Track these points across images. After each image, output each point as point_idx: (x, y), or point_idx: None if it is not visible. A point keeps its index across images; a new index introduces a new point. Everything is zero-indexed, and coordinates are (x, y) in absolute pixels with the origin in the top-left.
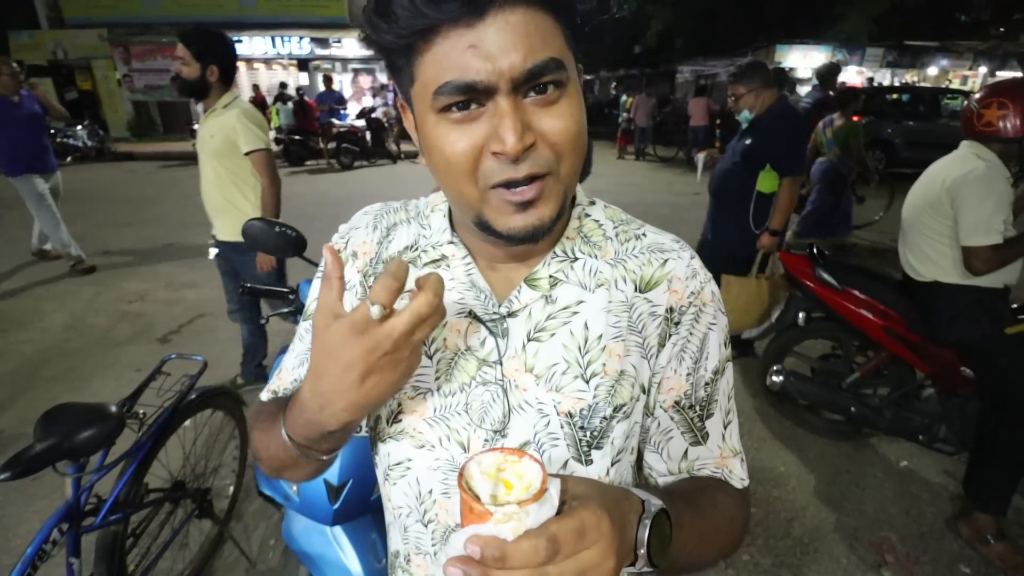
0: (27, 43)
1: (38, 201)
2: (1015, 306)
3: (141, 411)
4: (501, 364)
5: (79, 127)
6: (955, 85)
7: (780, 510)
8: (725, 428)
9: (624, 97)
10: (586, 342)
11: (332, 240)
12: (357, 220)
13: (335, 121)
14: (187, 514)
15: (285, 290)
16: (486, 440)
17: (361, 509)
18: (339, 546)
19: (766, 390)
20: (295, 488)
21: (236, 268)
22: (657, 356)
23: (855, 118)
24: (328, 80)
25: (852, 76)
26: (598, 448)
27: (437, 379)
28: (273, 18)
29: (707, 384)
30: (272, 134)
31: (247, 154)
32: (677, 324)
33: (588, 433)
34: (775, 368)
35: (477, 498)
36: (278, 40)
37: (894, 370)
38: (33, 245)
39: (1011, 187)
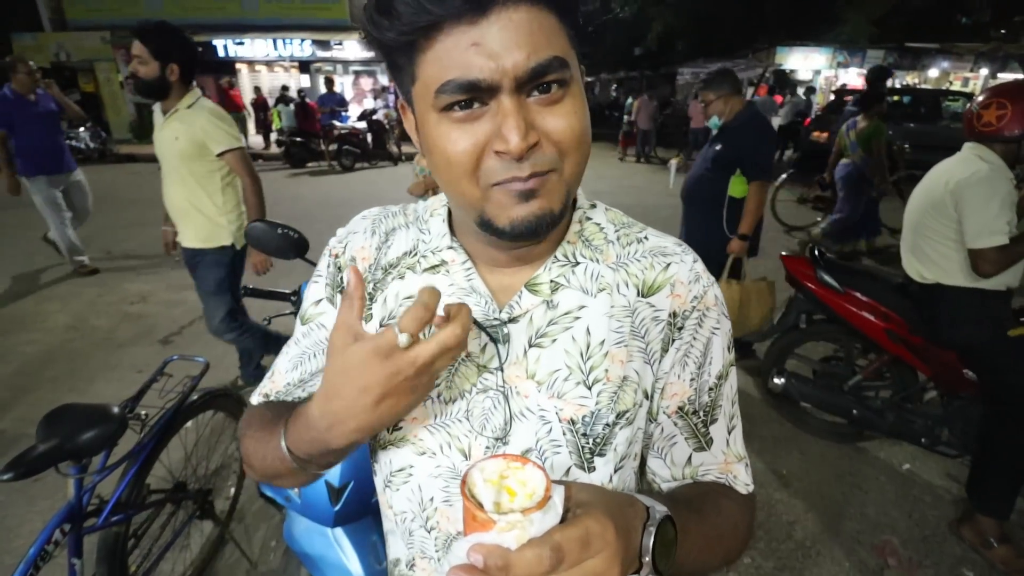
0: (30, 45)
1: (48, 203)
2: (1017, 308)
3: (143, 412)
4: (502, 370)
5: (82, 129)
6: (956, 87)
7: (782, 513)
8: (729, 433)
9: (630, 100)
10: (588, 348)
11: (329, 244)
12: (355, 224)
13: (336, 123)
14: (188, 515)
15: (287, 291)
16: (487, 447)
17: (362, 511)
18: (340, 548)
19: (767, 392)
20: (296, 490)
21: (200, 274)
22: (660, 361)
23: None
24: (329, 82)
25: (852, 78)
26: (601, 455)
27: (438, 386)
28: (275, 20)
29: (711, 389)
30: (274, 136)
31: (220, 155)
32: (680, 329)
33: (591, 440)
34: (776, 370)
35: (480, 506)
36: (280, 42)
37: (896, 373)
38: (69, 257)
39: (1015, 188)
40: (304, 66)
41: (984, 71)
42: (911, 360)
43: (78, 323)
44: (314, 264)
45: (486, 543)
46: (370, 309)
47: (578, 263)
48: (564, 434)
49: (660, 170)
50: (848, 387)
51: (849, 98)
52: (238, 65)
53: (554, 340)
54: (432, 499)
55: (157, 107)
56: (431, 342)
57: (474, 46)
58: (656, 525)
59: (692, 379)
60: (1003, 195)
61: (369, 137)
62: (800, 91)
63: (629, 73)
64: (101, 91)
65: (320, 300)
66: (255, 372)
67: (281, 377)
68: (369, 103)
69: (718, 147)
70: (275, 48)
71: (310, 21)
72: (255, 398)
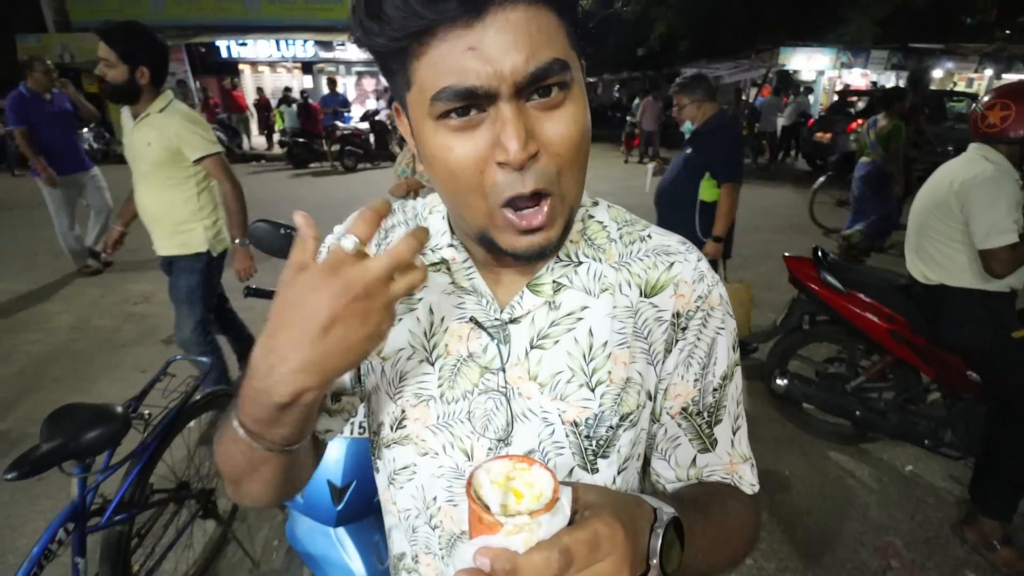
0: (34, 46)
1: (58, 205)
2: (1021, 309)
3: (146, 412)
4: (504, 371)
5: (85, 130)
6: (960, 88)
7: (784, 514)
8: (734, 434)
9: (637, 100)
10: (591, 349)
11: (326, 240)
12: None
13: (339, 124)
14: (191, 515)
15: None
16: (490, 448)
17: (365, 510)
18: (342, 547)
19: (770, 393)
20: None
21: (172, 281)
22: (663, 362)
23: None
24: (332, 83)
25: (856, 79)
26: (604, 457)
27: (440, 386)
28: (278, 21)
29: (715, 390)
30: (276, 136)
31: (197, 161)
32: (684, 329)
33: (594, 442)
34: (779, 371)
35: (487, 508)
36: (282, 43)
37: (899, 374)
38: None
39: (1020, 189)
40: (307, 67)
41: (989, 72)
42: (914, 361)
43: (81, 323)
44: None
45: (493, 546)
46: None
47: (581, 263)
48: (567, 436)
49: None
50: (851, 388)
51: (853, 98)
52: (241, 66)
53: (556, 341)
54: (435, 498)
55: (126, 110)
56: (383, 256)
57: (470, 50)
58: (663, 527)
59: (696, 380)
60: (1009, 195)
61: (371, 138)
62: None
63: (632, 74)
64: None
65: None
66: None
67: None
68: (371, 104)
69: (689, 151)
70: (278, 49)
71: (313, 22)
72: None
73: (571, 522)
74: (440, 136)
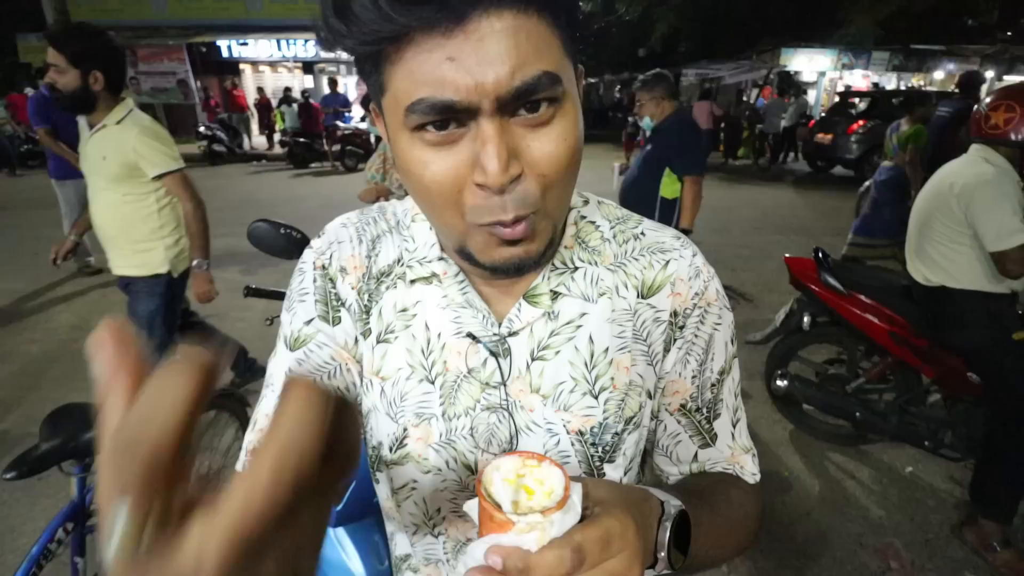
0: (35, 46)
1: (72, 207)
2: (1023, 312)
3: None
4: (504, 386)
5: None
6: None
7: (784, 515)
8: (734, 427)
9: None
10: (592, 357)
11: (306, 258)
12: (337, 233)
13: (339, 124)
14: None
15: None
16: None
17: (364, 510)
18: (341, 547)
19: (770, 394)
20: None
21: (130, 303)
22: (663, 361)
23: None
24: (333, 83)
25: (858, 80)
26: (610, 462)
27: (441, 404)
28: (279, 21)
29: (714, 386)
30: (277, 136)
31: (157, 178)
32: (682, 328)
33: (599, 449)
34: (779, 372)
35: (498, 507)
36: (283, 43)
37: (900, 375)
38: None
39: (1022, 191)
40: (308, 67)
41: (990, 73)
42: (915, 363)
43: (81, 323)
44: None
45: (505, 544)
46: (367, 323)
47: (576, 268)
48: (572, 445)
49: None
50: (851, 389)
51: (854, 99)
52: (242, 66)
53: (557, 352)
54: (439, 510)
55: (83, 119)
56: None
57: (449, 61)
58: (671, 520)
59: (694, 377)
60: (1012, 196)
61: (372, 138)
62: (811, 92)
63: (633, 74)
64: None
65: (312, 319)
66: (246, 365)
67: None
68: None
69: (649, 148)
70: (279, 49)
71: (314, 22)
72: (239, 466)
73: (582, 518)
74: (416, 149)
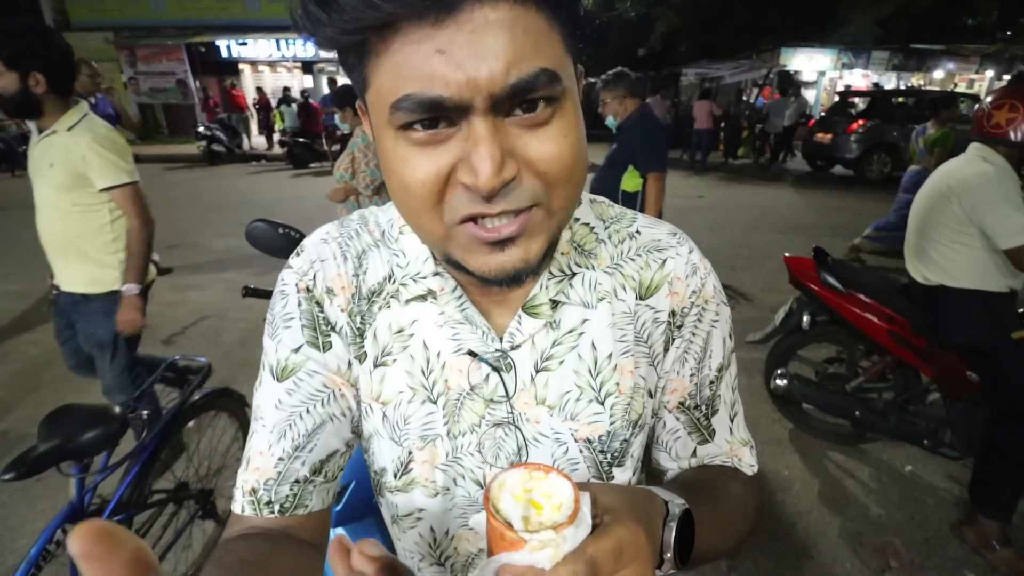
0: None
1: None
2: (1022, 311)
3: (145, 412)
4: (509, 400)
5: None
6: (961, 89)
7: (783, 514)
8: (732, 421)
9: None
10: (596, 363)
11: (286, 280)
12: (318, 250)
13: (339, 123)
14: (191, 515)
15: None
16: None
17: (364, 511)
18: None
19: (770, 394)
20: None
21: (73, 325)
22: (663, 361)
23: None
24: (333, 83)
25: (857, 79)
26: (619, 466)
27: (446, 423)
28: (278, 21)
29: (712, 383)
30: (276, 136)
31: (105, 190)
32: (680, 327)
33: (608, 455)
34: (779, 372)
35: (509, 525)
36: (283, 43)
37: (899, 374)
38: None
39: (1022, 189)
40: (307, 66)
41: (990, 72)
42: (914, 362)
43: None
44: None
45: (516, 563)
46: (362, 347)
47: (575, 274)
48: (581, 452)
49: None
50: (851, 389)
51: (854, 99)
52: (241, 65)
53: (561, 362)
54: (447, 532)
55: (33, 123)
56: None
57: (439, 53)
58: (675, 520)
59: (692, 375)
60: (1013, 194)
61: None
62: (811, 91)
63: (633, 74)
64: None
65: (300, 346)
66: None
67: (265, 458)
68: None
69: (614, 146)
70: (278, 48)
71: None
72: (237, 504)
73: (592, 527)
74: (400, 149)
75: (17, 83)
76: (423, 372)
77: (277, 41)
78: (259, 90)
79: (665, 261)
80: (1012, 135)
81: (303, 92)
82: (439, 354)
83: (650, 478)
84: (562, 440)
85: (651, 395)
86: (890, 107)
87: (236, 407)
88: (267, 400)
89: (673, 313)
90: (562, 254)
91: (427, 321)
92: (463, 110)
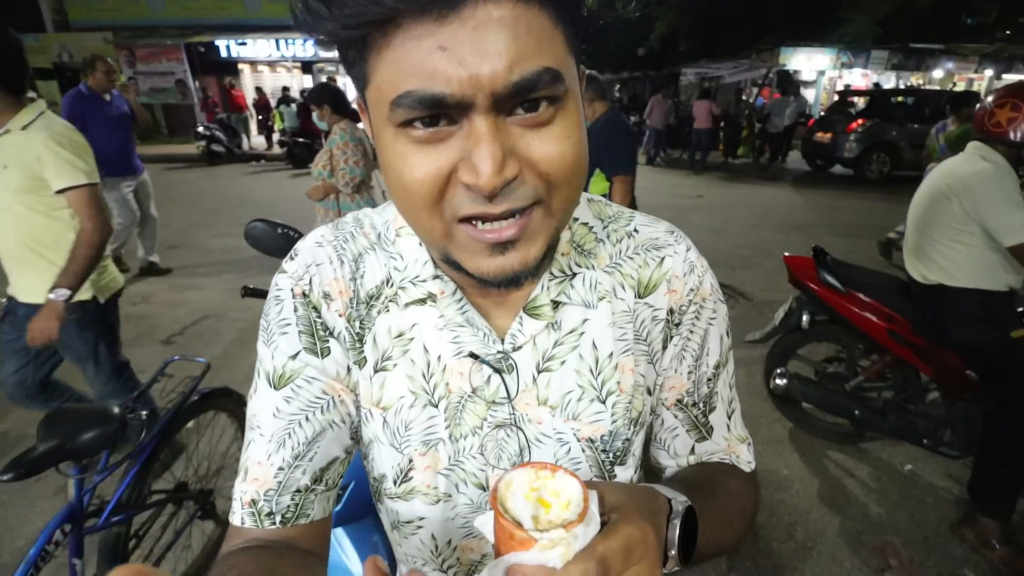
0: (33, 46)
1: (120, 206)
2: (1021, 309)
3: (144, 413)
4: (511, 402)
5: None
6: (960, 88)
7: (783, 513)
8: (729, 418)
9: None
10: (597, 363)
11: (280, 284)
12: (312, 254)
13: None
14: (190, 515)
15: None
16: None
17: (363, 511)
18: (341, 548)
19: (769, 393)
20: None
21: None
22: (661, 359)
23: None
24: (332, 83)
25: (857, 79)
26: (621, 464)
27: (447, 426)
28: (278, 20)
29: (709, 380)
30: (276, 136)
31: (61, 192)
32: (678, 325)
33: (611, 454)
34: (779, 371)
35: (519, 524)
36: (282, 43)
37: (898, 373)
38: (139, 258)
39: (1020, 187)
40: (306, 66)
41: (989, 72)
42: (913, 361)
43: None
44: None
45: (526, 563)
46: (362, 352)
47: (575, 274)
48: (583, 451)
49: (661, 171)
50: (850, 388)
51: (853, 98)
52: (240, 65)
53: (562, 362)
54: (449, 541)
55: None
56: None
57: (441, 50)
58: (679, 518)
59: (690, 372)
60: (1013, 191)
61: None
62: (810, 91)
63: (633, 73)
64: None
65: (298, 353)
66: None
67: (264, 468)
68: None
69: None
70: (277, 48)
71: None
72: (236, 516)
73: (601, 526)
74: (400, 146)
75: None
76: (424, 376)
77: (276, 41)
78: (258, 90)
79: (663, 259)
80: (1012, 135)
81: (303, 92)
82: (440, 357)
83: (648, 476)
84: (564, 440)
85: (650, 393)
86: (889, 106)
87: (235, 407)
88: (264, 409)
89: (671, 311)
90: (562, 254)
91: (427, 324)
92: (464, 108)
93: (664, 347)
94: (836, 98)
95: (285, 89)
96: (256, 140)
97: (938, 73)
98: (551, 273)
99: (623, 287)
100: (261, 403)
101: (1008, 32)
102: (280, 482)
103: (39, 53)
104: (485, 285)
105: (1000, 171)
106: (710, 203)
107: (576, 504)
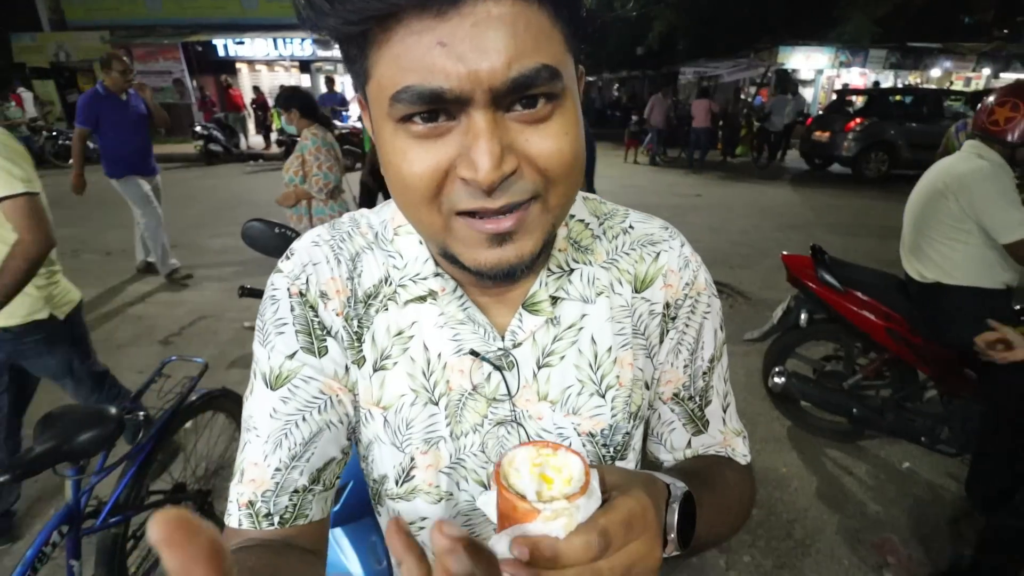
0: (30, 45)
1: (143, 203)
2: (1018, 307)
3: (141, 413)
4: (511, 398)
5: None
6: (958, 87)
7: (782, 511)
8: (725, 412)
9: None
10: (596, 357)
11: (276, 284)
12: (309, 253)
13: (337, 123)
14: None
15: None
16: None
17: (362, 511)
18: (340, 548)
19: (768, 391)
20: None
21: (11, 361)
22: (658, 353)
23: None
24: (330, 82)
25: (855, 78)
26: (622, 459)
27: (448, 425)
28: (275, 20)
29: (705, 374)
30: (274, 136)
31: None
32: (674, 319)
33: (611, 449)
34: (777, 369)
35: (522, 496)
36: (280, 42)
37: (896, 372)
38: (139, 260)
39: (1017, 187)
40: (304, 66)
41: (986, 71)
42: (911, 359)
43: None
44: None
45: (531, 534)
46: (360, 351)
47: (572, 270)
48: (584, 446)
49: (661, 170)
50: (848, 386)
51: (851, 97)
52: (238, 64)
53: (562, 357)
54: None
55: None
56: None
57: (440, 46)
58: (678, 502)
59: (686, 366)
60: (1010, 189)
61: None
62: (809, 90)
63: (631, 72)
64: None
65: (295, 352)
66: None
67: (261, 469)
68: None
69: None
70: (275, 47)
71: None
72: (233, 518)
73: (602, 503)
74: (399, 141)
75: None
76: (424, 374)
77: (274, 40)
78: (256, 89)
79: (659, 254)
80: (1009, 135)
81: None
82: (440, 355)
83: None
84: (565, 435)
85: (648, 387)
86: (887, 105)
87: (233, 407)
88: (260, 409)
89: (668, 305)
90: (560, 251)
91: (427, 322)
92: (463, 103)
93: (661, 341)
94: (834, 97)
95: (282, 88)
96: (254, 139)
97: (936, 72)
98: (549, 269)
99: (620, 282)
100: (257, 404)
101: (1006, 31)
102: (278, 483)
103: (36, 52)
104: (482, 279)
105: (996, 169)
106: (708, 202)
107: (578, 479)
